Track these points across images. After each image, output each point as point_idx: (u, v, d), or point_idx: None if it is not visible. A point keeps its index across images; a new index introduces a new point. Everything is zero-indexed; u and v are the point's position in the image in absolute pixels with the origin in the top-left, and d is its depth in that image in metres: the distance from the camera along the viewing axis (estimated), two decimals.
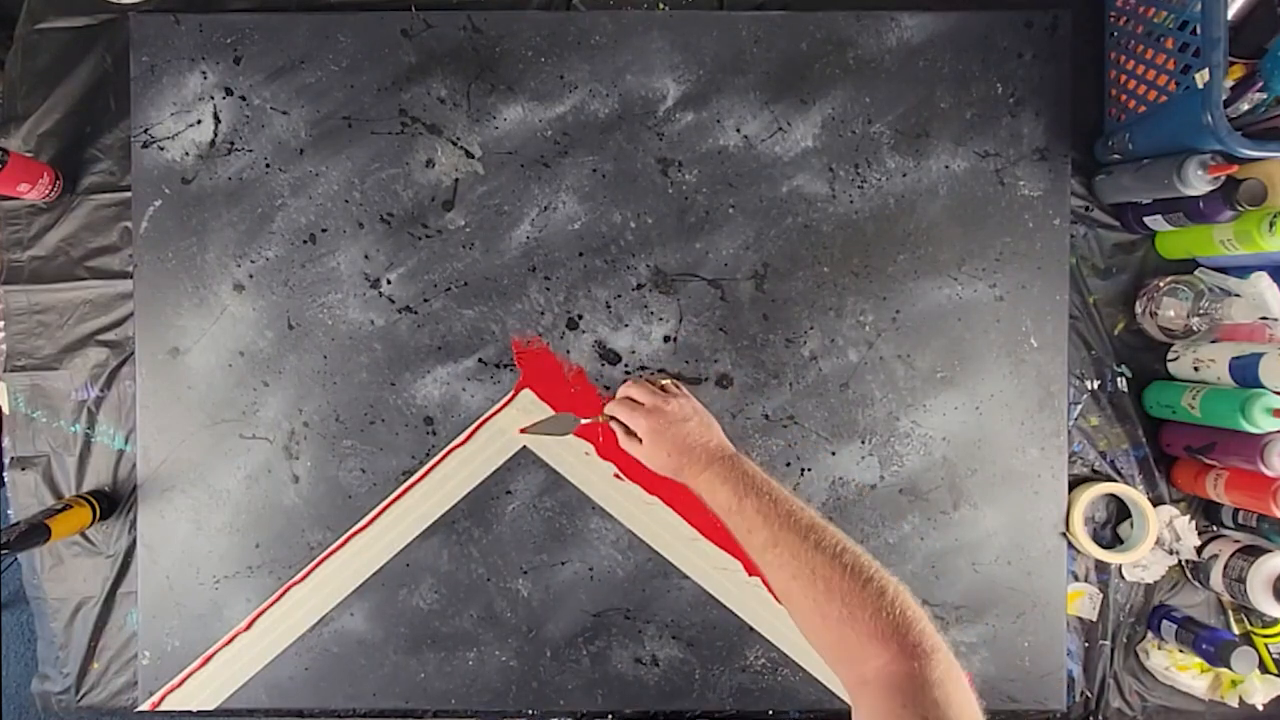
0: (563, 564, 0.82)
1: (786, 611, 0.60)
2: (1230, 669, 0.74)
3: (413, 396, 0.82)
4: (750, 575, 0.81)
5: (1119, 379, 0.83)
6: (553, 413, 0.81)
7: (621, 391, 0.78)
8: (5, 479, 0.84)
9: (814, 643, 0.57)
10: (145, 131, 0.82)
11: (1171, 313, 0.78)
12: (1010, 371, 0.82)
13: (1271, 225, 0.69)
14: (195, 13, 0.82)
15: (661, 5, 0.83)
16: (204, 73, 0.82)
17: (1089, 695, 0.83)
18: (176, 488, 0.82)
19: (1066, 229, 0.82)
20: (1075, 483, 0.83)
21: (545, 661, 0.82)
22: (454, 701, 0.82)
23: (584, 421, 0.80)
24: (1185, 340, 0.80)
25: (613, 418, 0.78)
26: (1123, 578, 0.83)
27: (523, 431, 0.80)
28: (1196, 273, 0.80)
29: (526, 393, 0.82)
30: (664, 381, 0.79)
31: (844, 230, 0.82)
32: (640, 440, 0.74)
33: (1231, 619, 0.83)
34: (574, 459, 0.82)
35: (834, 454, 0.82)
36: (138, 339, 0.82)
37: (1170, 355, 0.82)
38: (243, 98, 0.82)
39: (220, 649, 0.81)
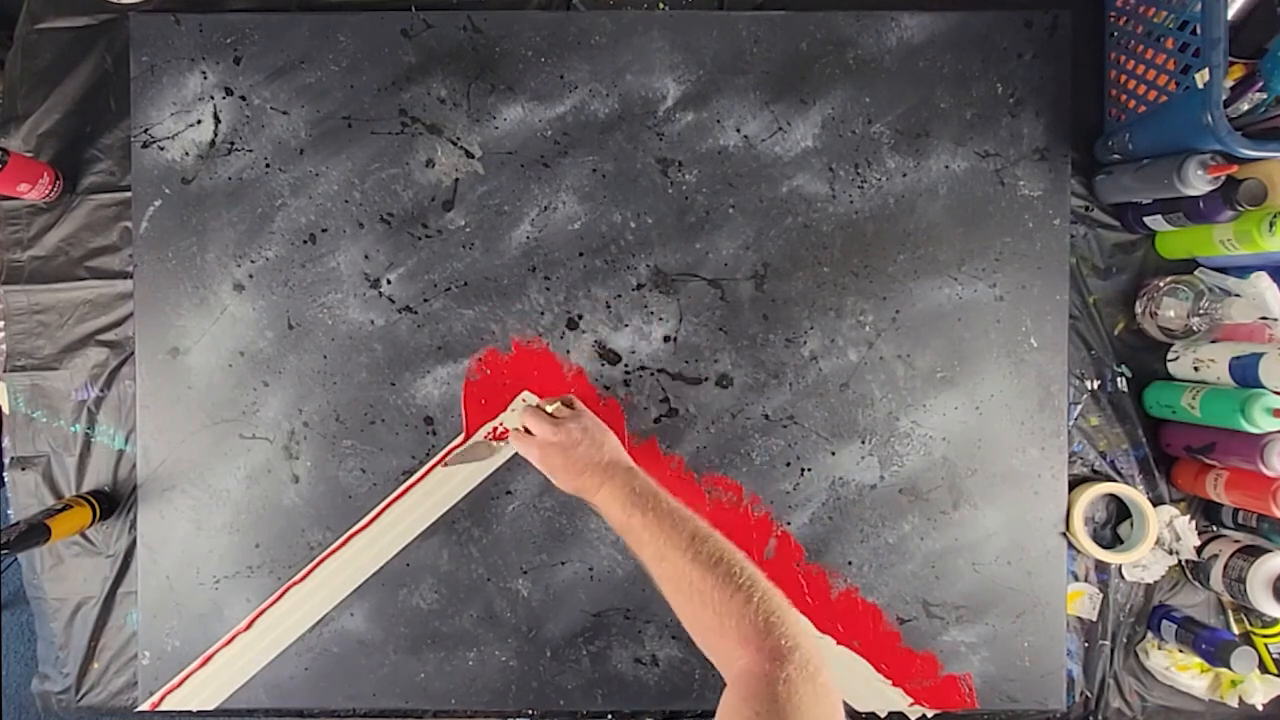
0: (563, 564, 0.82)
1: None
2: (1230, 669, 0.74)
3: (413, 396, 0.82)
4: None
5: (1119, 379, 0.83)
6: (473, 440, 0.81)
7: (521, 421, 0.78)
8: (5, 479, 0.84)
9: (702, 649, 0.60)
10: (145, 131, 0.82)
11: (1171, 313, 0.78)
12: (1010, 371, 0.82)
13: (1271, 225, 0.69)
14: (195, 13, 0.82)
15: (661, 5, 0.83)
16: (204, 73, 0.82)
17: (1089, 695, 0.83)
18: (176, 488, 0.82)
19: (1066, 229, 0.82)
20: (1075, 483, 0.83)
21: (545, 661, 0.82)
22: (454, 701, 0.82)
23: (497, 448, 0.81)
24: (1185, 340, 0.80)
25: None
26: (1123, 578, 0.83)
27: (444, 464, 0.81)
28: (1196, 273, 0.80)
29: (526, 393, 0.82)
30: (550, 408, 0.78)
31: (844, 230, 0.82)
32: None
33: (1231, 619, 0.83)
34: None
35: (834, 454, 0.82)
36: (138, 339, 0.82)
37: (1170, 355, 0.82)
38: (243, 98, 0.82)
39: (220, 649, 0.81)
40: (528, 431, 0.76)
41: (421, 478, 0.82)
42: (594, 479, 0.70)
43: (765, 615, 0.55)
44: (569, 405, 0.78)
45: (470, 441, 0.81)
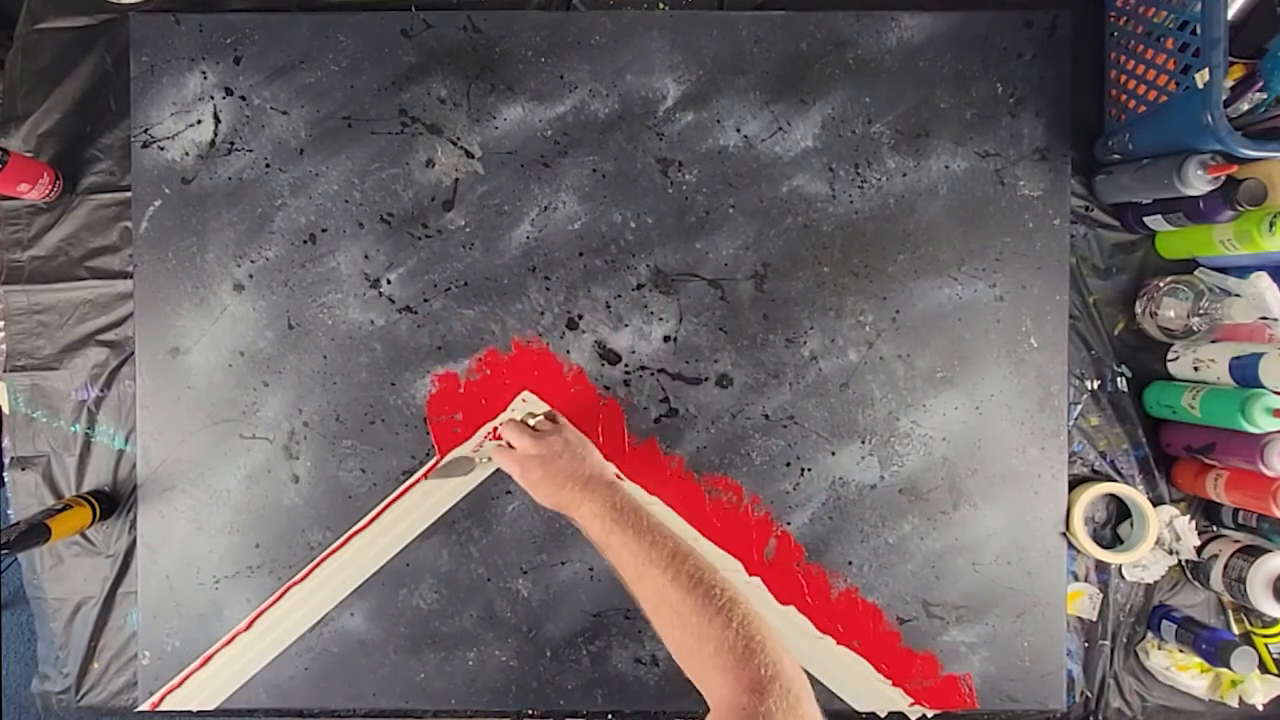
0: (563, 564, 0.82)
1: None
2: (1230, 669, 0.74)
3: (413, 396, 0.82)
4: (750, 575, 0.81)
5: (1119, 379, 0.83)
6: (456, 454, 0.81)
7: (502, 434, 0.78)
8: (5, 479, 0.84)
9: (684, 671, 0.59)
10: (145, 131, 0.82)
11: (1171, 313, 0.78)
12: (1010, 371, 0.82)
13: (1271, 225, 0.69)
14: (195, 13, 0.82)
15: (661, 5, 0.83)
16: (204, 73, 0.82)
17: (1089, 695, 0.83)
18: (176, 488, 0.82)
19: (1066, 229, 0.82)
20: (1075, 483, 0.83)
21: (545, 661, 0.82)
22: (454, 701, 0.82)
23: (478, 462, 0.81)
24: (1185, 340, 0.80)
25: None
26: (1123, 578, 0.83)
27: (425, 477, 0.81)
28: (1196, 273, 0.80)
29: (526, 393, 0.82)
30: (533, 421, 0.78)
31: (844, 230, 0.82)
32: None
33: (1231, 619, 0.83)
34: None
35: (834, 454, 0.82)
36: (138, 339, 0.82)
37: (1170, 355, 0.82)
38: (243, 98, 0.82)
39: (220, 649, 0.81)
40: (511, 446, 0.76)
41: (405, 491, 0.81)
42: (574, 493, 0.70)
43: (745, 640, 0.54)
44: (552, 419, 0.79)
45: (453, 455, 0.81)
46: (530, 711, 0.83)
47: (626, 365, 0.82)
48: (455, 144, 0.82)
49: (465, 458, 0.81)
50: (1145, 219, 0.80)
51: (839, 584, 0.82)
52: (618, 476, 0.81)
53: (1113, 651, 0.83)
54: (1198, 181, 0.69)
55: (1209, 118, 0.64)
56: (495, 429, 0.82)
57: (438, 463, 0.81)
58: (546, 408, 0.81)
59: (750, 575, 0.81)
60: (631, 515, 0.66)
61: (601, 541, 0.67)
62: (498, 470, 0.81)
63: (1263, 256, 0.74)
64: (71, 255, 0.83)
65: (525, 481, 0.74)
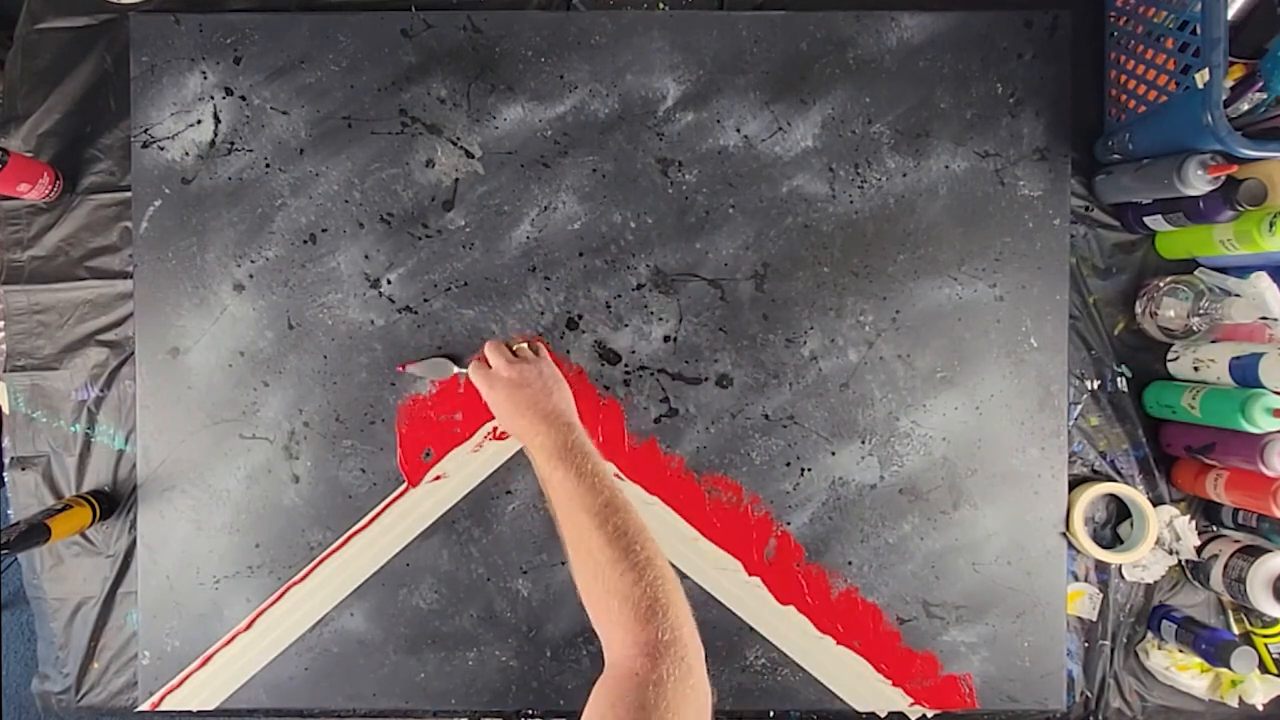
0: (563, 564, 0.82)
1: None
2: (1230, 669, 0.74)
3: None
4: (750, 575, 0.81)
5: (1119, 379, 0.83)
6: (436, 359, 0.82)
7: (483, 351, 0.79)
8: (5, 479, 0.84)
9: (591, 620, 0.60)
10: (145, 131, 0.82)
11: (1171, 313, 0.78)
12: (1010, 371, 0.82)
13: (1271, 225, 0.69)
14: (195, 13, 0.82)
15: (661, 5, 0.83)
16: (204, 73, 0.82)
17: (1089, 695, 0.83)
18: (176, 488, 0.82)
19: (1066, 229, 0.82)
20: (1075, 483, 0.83)
21: (545, 661, 0.82)
22: (454, 701, 0.82)
23: (456, 371, 0.81)
24: (1185, 340, 0.80)
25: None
26: (1123, 578, 0.83)
27: (402, 368, 0.81)
28: (1196, 273, 0.80)
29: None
30: (518, 346, 0.79)
31: (844, 230, 0.82)
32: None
33: (1231, 619, 0.83)
34: None
35: (834, 454, 0.82)
36: (138, 339, 0.82)
37: (1170, 355, 0.82)
38: (243, 98, 0.82)
39: (220, 649, 0.81)
40: (488, 365, 0.77)
41: (427, 470, 0.81)
42: (532, 424, 0.70)
43: (649, 601, 0.55)
44: (535, 350, 0.80)
45: (435, 359, 0.81)
46: (530, 711, 0.83)
47: (626, 365, 0.82)
48: (455, 144, 0.82)
49: (445, 361, 0.81)
50: (1145, 219, 0.80)
51: (839, 584, 0.82)
52: (618, 476, 0.82)
53: (1113, 651, 0.83)
54: (1198, 181, 0.69)
55: (1209, 118, 0.64)
56: (495, 429, 0.82)
57: (421, 361, 0.81)
58: (524, 344, 0.81)
59: (750, 575, 0.81)
60: (578, 457, 0.66)
61: (544, 476, 0.68)
62: (497, 470, 0.81)
63: (1263, 256, 0.74)
64: (71, 255, 0.83)
65: (489, 399, 0.75)
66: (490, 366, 0.77)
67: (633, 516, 0.62)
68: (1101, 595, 0.83)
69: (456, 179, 0.82)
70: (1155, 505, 0.81)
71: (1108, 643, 0.82)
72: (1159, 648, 0.82)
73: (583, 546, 0.61)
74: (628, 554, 0.58)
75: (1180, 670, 0.80)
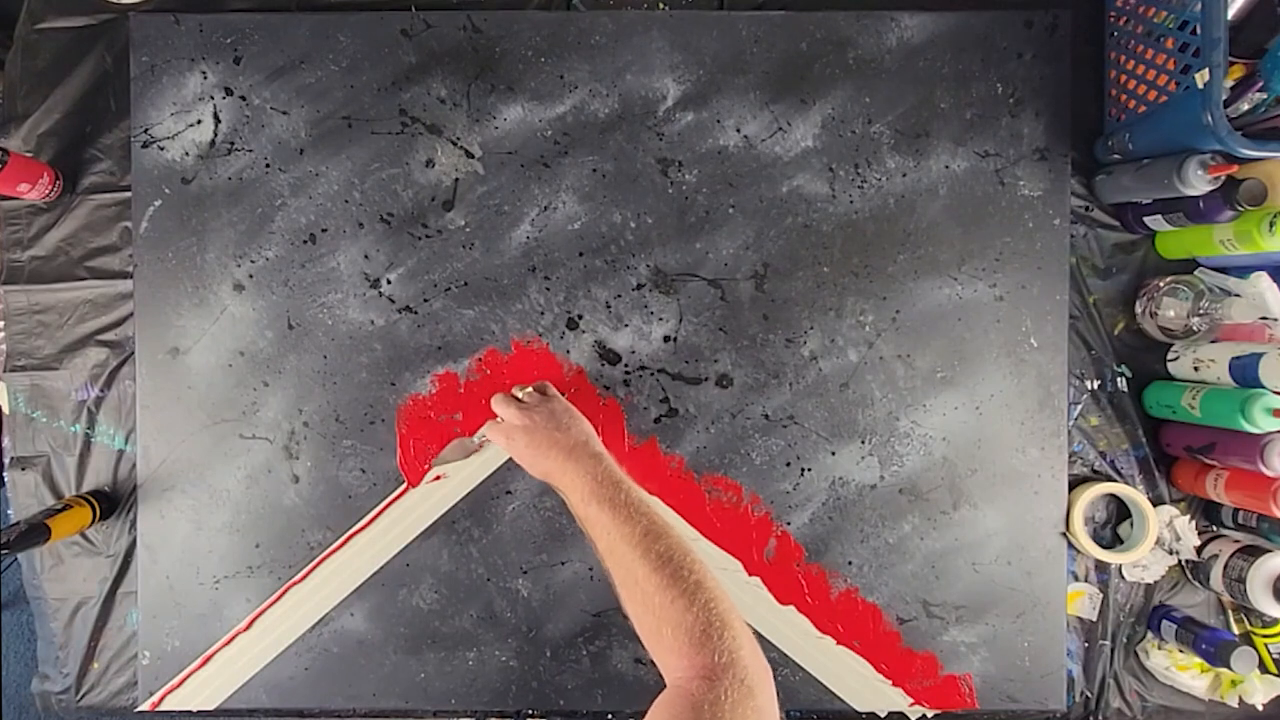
0: (563, 564, 0.82)
1: None
2: (1230, 669, 0.74)
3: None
4: (750, 575, 0.81)
5: (1119, 379, 0.83)
6: (454, 443, 0.82)
7: (492, 406, 0.78)
8: (5, 479, 0.84)
9: (647, 650, 0.58)
10: (145, 131, 0.82)
11: (1171, 313, 0.78)
12: (1010, 371, 0.82)
13: (1271, 225, 0.69)
14: (195, 13, 0.82)
15: (661, 5, 0.83)
16: (204, 73, 0.82)
17: (1089, 695, 0.83)
18: (176, 488, 0.82)
19: (1066, 229, 0.82)
20: (1075, 483, 0.83)
21: (545, 661, 0.82)
22: (454, 701, 0.82)
23: (477, 440, 0.81)
24: (1185, 340, 0.80)
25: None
26: (1123, 578, 0.83)
27: (427, 467, 0.81)
28: (1196, 273, 0.80)
29: (517, 388, 0.82)
30: (524, 393, 0.78)
31: (844, 230, 0.82)
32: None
33: (1231, 619, 0.83)
34: None
35: (834, 454, 0.82)
36: (138, 339, 0.82)
37: (1170, 355, 0.82)
38: (243, 98, 0.82)
39: (220, 649, 0.81)
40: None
41: (426, 470, 0.82)
42: (558, 464, 0.69)
43: (704, 625, 0.53)
44: (542, 391, 0.78)
45: (453, 443, 0.82)
46: (530, 711, 0.83)
47: (626, 365, 0.82)
48: (455, 144, 0.82)
49: (464, 440, 0.81)
50: (1145, 219, 0.80)
51: (839, 584, 0.82)
52: None
53: (1113, 651, 0.83)
54: (1198, 181, 0.69)
55: (1209, 118, 0.64)
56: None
57: (442, 453, 0.81)
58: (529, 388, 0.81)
59: (750, 575, 0.81)
60: (610, 489, 0.64)
61: (580, 514, 0.66)
62: (497, 470, 0.81)
63: (1263, 256, 0.74)
64: (71, 255, 0.83)
65: (513, 452, 0.74)
66: (503, 420, 0.75)
67: (675, 540, 0.60)
68: (1101, 595, 0.83)
69: (456, 179, 0.82)
70: (1155, 505, 0.81)
71: (1108, 643, 0.82)
72: (1159, 648, 0.82)
73: (630, 578, 0.59)
74: (675, 580, 0.56)
75: (1180, 670, 0.80)
